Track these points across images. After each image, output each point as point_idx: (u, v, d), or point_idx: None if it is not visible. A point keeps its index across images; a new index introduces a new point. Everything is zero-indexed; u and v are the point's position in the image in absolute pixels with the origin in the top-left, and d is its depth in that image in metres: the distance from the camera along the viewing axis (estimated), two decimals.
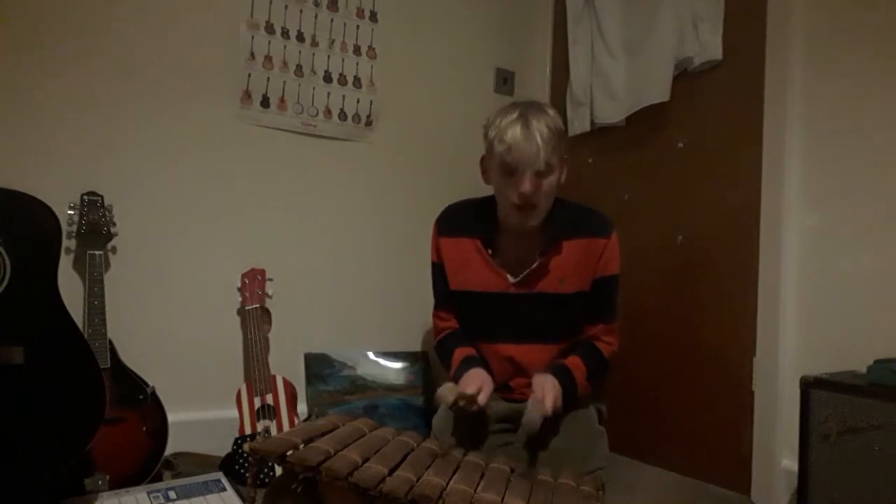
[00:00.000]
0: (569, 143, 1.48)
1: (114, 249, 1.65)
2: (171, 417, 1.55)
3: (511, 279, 1.48)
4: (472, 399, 1.31)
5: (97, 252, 1.51)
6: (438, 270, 1.58)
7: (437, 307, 1.63)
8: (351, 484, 0.96)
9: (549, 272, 1.48)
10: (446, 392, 1.33)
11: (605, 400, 1.60)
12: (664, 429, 1.89)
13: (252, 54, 1.83)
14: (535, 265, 1.46)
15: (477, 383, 1.36)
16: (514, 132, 1.33)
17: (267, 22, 1.86)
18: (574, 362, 1.46)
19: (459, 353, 1.52)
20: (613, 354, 1.53)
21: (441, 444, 1.20)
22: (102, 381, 1.26)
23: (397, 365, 2.02)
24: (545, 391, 1.30)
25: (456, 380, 1.43)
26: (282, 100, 1.88)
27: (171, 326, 1.72)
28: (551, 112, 1.41)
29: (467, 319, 1.58)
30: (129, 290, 1.65)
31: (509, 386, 1.55)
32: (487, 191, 1.57)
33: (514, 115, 1.36)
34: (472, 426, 1.43)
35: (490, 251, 1.50)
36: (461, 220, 1.55)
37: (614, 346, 1.53)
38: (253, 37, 1.83)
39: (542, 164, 1.35)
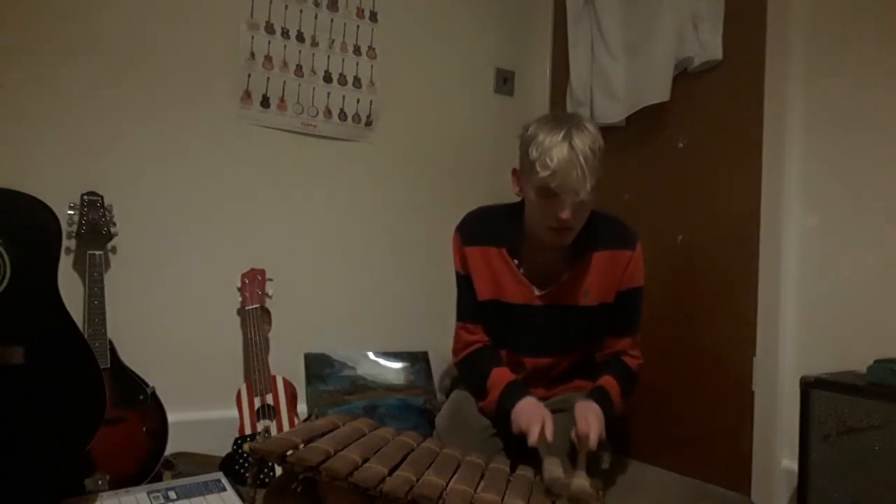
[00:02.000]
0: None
1: (114, 249, 1.65)
2: (171, 417, 1.55)
3: (536, 291, 1.46)
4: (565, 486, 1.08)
5: (97, 252, 1.51)
6: (465, 281, 1.52)
7: (462, 319, 1.55)
8: (351, 484, 0.96)
9: (575, 284, 1.46)
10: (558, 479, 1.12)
11: None
12: (664, 429, 1.89)
13: (252, 54, 1.83)
14: (563, 278, 1.43)
15: (538, 416, 1.29)
16: (561, 156, 1.26)
17: (267, 22, 1.86)
18: (610, 383, 1.44)
19: (499, 377, 1.44)
20: (640, 368, 1.52)
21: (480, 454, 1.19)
22: (102, 381, 1.26)
23: (397, 365, 2.02)
24: (590, 426, 1.26)
25: (504, 407, 1.38)
26: (282, 100, 1.88)
27: (171, 326, 1.72)
28: (592, 129, 1.34)
29: (492, 329, 1.53)
30: (129, 290, 1.65)
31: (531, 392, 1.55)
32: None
33: (560, 136, 1.28)
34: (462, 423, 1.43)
35: (516, 261, 1.46)
36: (486, 228, 1.50)
37: (640, 360, 1.53)
38: (253, 37, 1.83)
39: (585, 192, 1.30)
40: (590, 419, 1.29)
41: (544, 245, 1.42)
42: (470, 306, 1.52)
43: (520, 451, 1.36)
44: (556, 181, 1.27)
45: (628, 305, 1.49)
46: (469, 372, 1.54)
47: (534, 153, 1.30)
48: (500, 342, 1.53)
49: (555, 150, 1.26)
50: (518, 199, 1.50)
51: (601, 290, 1.46)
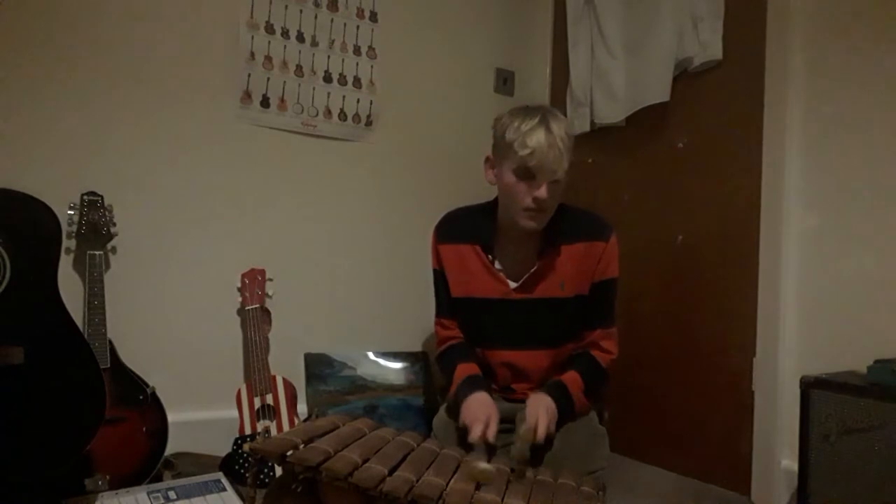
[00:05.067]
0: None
1: (114, 249, 1.65)
2: (171, 417, 1.55)
3: (512, 285, 1.48)
4: (489, 476, 1.08)
5: (97, 252, 1.51)
6: (440, 277, 1.57)
7: (438, 315, 1.61)
8: (351, 484, 0.96)
9: (549, 276, 1.47)
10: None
11: (606, 400, 1.60)
12: (664, 429, 1.89)
13: (252, 54, 1.83)
14: (534, 268, 1.45)
15: (483, 414, 1.31)
16: (539, 138, 1.31)
17: (267, 22, 1.86)
18: (571, 378, 1.43)
19: (461, 371, 1.48)
20: (612, 363, 1.50)
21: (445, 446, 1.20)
22: (102, 381, 1.27)
23: (397, 365, 2.02)
24: (539, 418, 1.28)
25: (458, 401, 1.40)
26: (282, 100, 1.88)
27: (171, 326, 1.72)
28: (563, 118, 1.40)
29: (469, 326, 1.56)
30: (129, 290, 1.65)
31: (511, 387, 1.55)
32: (484, 196, 1.56)
33: (536, 120, 1.34)
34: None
35: (490, 257, 1.49)
36: (460, 226, 1.54)
37: (613, 355, 1.50)
38: (253, 37, 1.83)
39: (562, 171, 1.35)
40: (539, 412, 1.29)
41: (518, 234, 1.45)
42: (445, 303, 1.57)
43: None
44: (535, 160, 1.32)
45: (602, 297, 1.48)
46: (442, 367, 1.58)
47: (511, 135, 1.35)
48: (477, 338, 1.55)
49: (533, 131, 1.32)
50: (492, 197, 1.54)
51: (576, 281, 1.47)
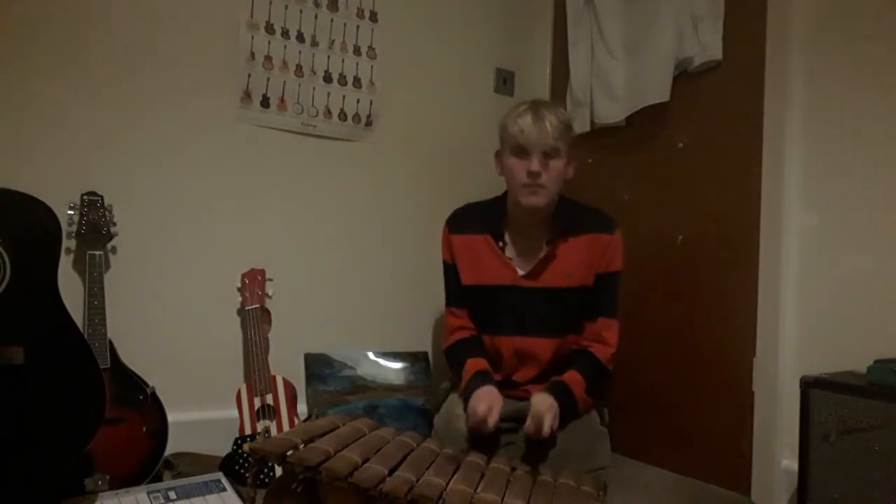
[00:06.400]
0: (576, 142, 1.57)
1: (114, 249, 1.65)
2: (171, 417, 1.55)
3: (520, 272, 1.54)
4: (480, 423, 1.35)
5: (97, 252, 1.51)
6: (451, 269, 1.64)
7: (449, 304, 1.67)
8: (351, 484, 0.96)
9: (556, 266, 1.53)
10: (461, 415, 1.33)
11: (606, 401, 1.61)
12: (664, 429, 1.89)
13: (252, 54, 1.83)
14: (542, 254, 1.52)
15: (487, 402, 1.38)
16: (526, 117, 1.47)
17: (267, 22, 1.86)
18: (572, 377, 1.47)
19: (472, 366, 1.54)
20: (613, 357, 1.53)
21: (447, 447, 1.21)
22: (102, 381, 1.27)
23: (397, 365, 2.02)
24: (543, 417, 1.32)
25: (467, 394, 1.46)
26: (282, 100, 1.88)
27: (171, 326, 1.72)
28: (561, 109, 1.54)
29: (479, 312, 1.62)
30: (129, 290, 1.65)
31: (514, 381, 1.56)
32: (485, 195, 1.58)
33: (527, 106, 1.50)
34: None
35: (501, 244, 1.57)
36: (471, 218, 1.63)
37: (612, 348, 1.53)
38: (253, 37, 1.83)
39: (551, 145, 1.45)
40: (543, 410, 1.34)
41: (527, 223, 1.55)
42: (455, 292, 1.64)
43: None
44: (524, 136, 1.46)
45: (605, 288, 1.55)
46: (452, 361, 1.63)
47: (506, 121, 1.52)
48: (486, 324, 1.61)
49: (523, 113, 1.49)
50: (502, 191, 1.62)
51: (582, 272, 1.53)
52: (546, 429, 1.31)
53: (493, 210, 1.61)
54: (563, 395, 1.42)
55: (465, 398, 1.47)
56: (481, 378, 1.49)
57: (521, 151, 1.48)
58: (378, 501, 0.96)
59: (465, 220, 1.63)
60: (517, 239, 1.58)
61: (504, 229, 1.58)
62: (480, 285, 1.58)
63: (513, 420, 1.43)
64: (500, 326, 1.57)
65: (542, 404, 1.35)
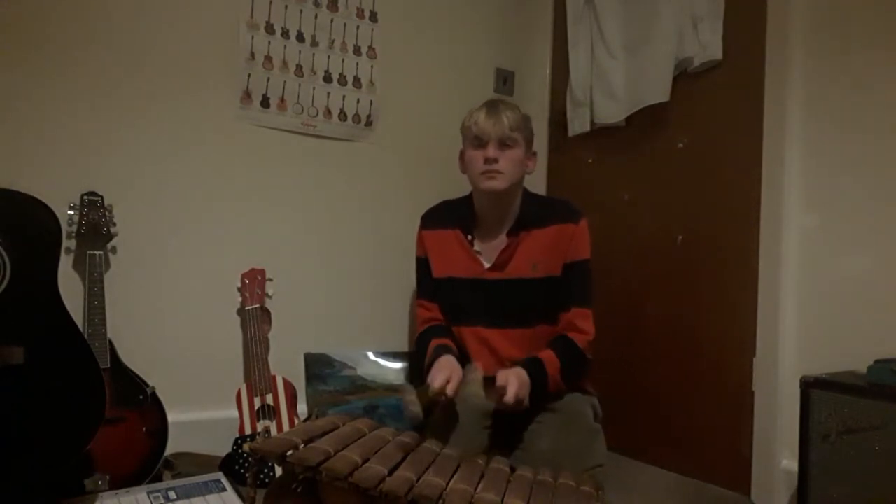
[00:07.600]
0: (533, 139, 1.62)
1: (114, 249, 1.65)
2: (171, 417, 1.55)
3: (486, 265, 1.59)
4: (439, 392, 1.33)
5: (97, 252, 1.51)
6: (422, 263, 1.69)
7: (420, 297, 1.71)
8: (351, 484, 0.96)
9: (521, 257, 1.57)
10: (414, 400, 1.30)
11: (599, 399, 1.60)
12: (664, 429, 1.89)
13: (252, 54, 1.83)
14: (504, 246, 1.57)
15: (445, 372, 1.38)
16: (482, 111, 1.55)
17: (267, 22, 1.86)
18: (547, 356, 1.48)
19: (434, 343, 1.58)
20: (590, 344, 1.53)
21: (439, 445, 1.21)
22: (102, 381, 1.26)
23: (397, 365, 2.02)
24: (509, 382, 1.32)
25: (427, 368, 1.48)
26: (282, 100, 1.88)
27: (171, 326, 1.72)
28: (515, 104, 1.61)
29: (447, 304, 1.66)
30: (129, 290, 1.65)
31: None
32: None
33: (483, 103, 1.58)
34: (453, 418, 1.46)
35: (470, 238, 1.62)
36: (443, 215, 1.69)
37: (589, 336, 1.53)
38: (253, 37, 1.83)
39: (507, 134, 1.51)
40: (510, 377, 1.34)
41: (493, 217, 1.60)
42: (426, 286, 1.69)
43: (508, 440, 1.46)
44: (479, 127, 1.53)
45: (575, 277, 1.56)
46: (419, 346, 1.66)
47: (464, 120, 1.60)
48: (457, 315, 1.64)
49: (479, 109, 1.56)
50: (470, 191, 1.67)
51: (548, 263, 1.56)
52: (510, 395, 1.31)
53: (462, 207, 1.66)
54: (533, 368, 1.42)
55: (426, 371, 1.48)
56: (441, 350, 1.52)
57: (479, 142, 1.54)
58: (378, 501, 0.96)
59: (437, 217, 1.69)
60: (485, 233, 1.62)
61: (473, 225, 1.63)
62: (449, 277, 1.63)
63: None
64: (469, 317, 1.61)
65: (509, 372, 1.36)
